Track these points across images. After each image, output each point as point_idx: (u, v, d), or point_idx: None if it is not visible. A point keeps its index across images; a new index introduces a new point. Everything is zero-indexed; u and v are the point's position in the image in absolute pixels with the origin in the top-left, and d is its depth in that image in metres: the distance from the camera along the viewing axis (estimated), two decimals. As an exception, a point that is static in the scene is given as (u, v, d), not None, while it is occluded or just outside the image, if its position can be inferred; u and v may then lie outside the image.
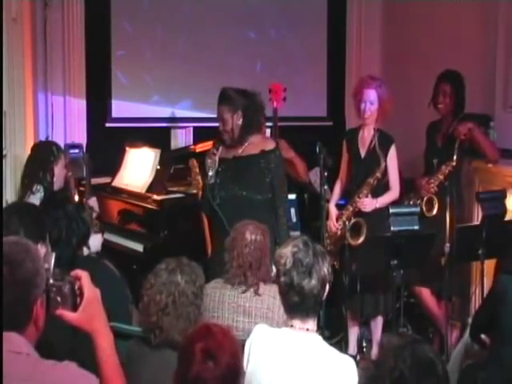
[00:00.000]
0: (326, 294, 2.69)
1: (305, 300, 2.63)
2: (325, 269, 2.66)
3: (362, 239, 4.56)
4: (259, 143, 4.29)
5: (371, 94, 4.67)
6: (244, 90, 4.31)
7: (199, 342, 2.10)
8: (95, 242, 3.75)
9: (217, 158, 4.31)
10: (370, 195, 4.65)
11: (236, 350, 2.15)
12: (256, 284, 3.41)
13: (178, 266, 2.74)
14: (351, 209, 4.72)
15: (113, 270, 3.31)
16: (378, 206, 4.63)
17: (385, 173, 4.67)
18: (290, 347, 2.64)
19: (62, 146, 4.89)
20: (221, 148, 4.34)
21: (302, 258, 2.63)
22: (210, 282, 3.53)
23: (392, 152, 4.72)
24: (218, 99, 4.32)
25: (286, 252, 2.67)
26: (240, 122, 4.23)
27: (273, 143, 4.40)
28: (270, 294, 3.38)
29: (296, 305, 2.65)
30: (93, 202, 4.52)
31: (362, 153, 4.78)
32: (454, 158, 4.75)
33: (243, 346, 2.64)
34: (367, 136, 4.76)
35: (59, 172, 4.52)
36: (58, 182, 4.48)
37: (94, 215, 4.40)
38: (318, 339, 2.67)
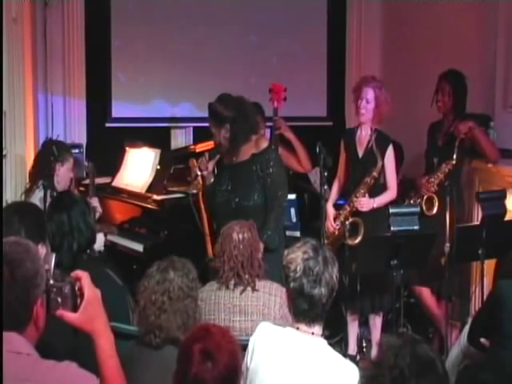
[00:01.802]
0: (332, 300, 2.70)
1: (313, 307, 2.64)
2: (334, 276, 2.66)
3: (359, 239, 4.57)
4: (251, 147, 4.28)
5: (368, 93, 4.68)
6: (236, 99, 4.25)
7: (198, 342, 2.10)
8: (98, 241, 3.76)
9: (209, 166, 4.36)
10: (367, 195, 4.65)
11: (234, 350, 2.15)
12: (252, 281, 3.41)
13: (169, 263, 2.76)
14: (349, 208, 4.72)
15: (114, 276, 3.29)
16: (375, 205, 4.64)
17: (382, 172, 4.67)
18: (295, 348, 2.64)
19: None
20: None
21: (313, 266, 2.62)
22: (205, 285, 3.53)
23: (389, 152, 4.71)
24: None
25: (296, 258, 2.66)
26: (228, 135, 4.22)
27: (265, 142, 4.37)
28: (265, 291, 3.39)
29: (304, 311, 2.65)
30: (95, 202, 4.52)
31: (360, 152, 4.78)
32: (454, 156, 4.75)
33: (241, 345, 2.64)
34: (365, 136, 4.76)
35: (64, 174, 4.49)
36: (61, 184, 4.45)
37: (98, 215, 4.43)
38: (323, 343, 2.66)
